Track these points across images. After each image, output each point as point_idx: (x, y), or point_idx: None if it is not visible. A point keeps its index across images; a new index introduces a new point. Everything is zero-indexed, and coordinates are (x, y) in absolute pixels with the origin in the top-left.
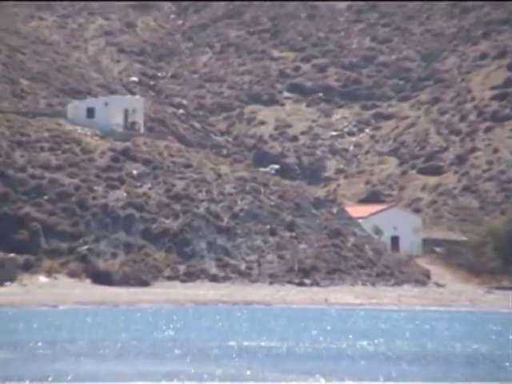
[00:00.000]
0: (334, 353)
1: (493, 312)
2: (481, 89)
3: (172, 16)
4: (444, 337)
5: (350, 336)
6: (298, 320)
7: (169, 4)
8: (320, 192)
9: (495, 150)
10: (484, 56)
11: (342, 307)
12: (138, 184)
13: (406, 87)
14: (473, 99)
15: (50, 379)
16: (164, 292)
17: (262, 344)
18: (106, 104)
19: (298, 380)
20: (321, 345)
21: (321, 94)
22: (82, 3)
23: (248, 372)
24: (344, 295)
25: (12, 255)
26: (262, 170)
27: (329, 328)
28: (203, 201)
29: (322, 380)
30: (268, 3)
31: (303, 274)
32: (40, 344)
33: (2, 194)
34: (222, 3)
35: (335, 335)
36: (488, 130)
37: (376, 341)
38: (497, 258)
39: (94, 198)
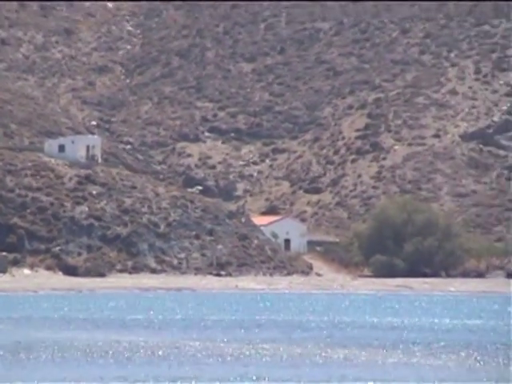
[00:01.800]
0: (236, 322)
1: (356, 293)
2: (348, 131)
3: (122, 77)
4: (315, 311)
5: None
6: (212, 300)
7: (120, 68)
8: (232, 207)
9: (359, 176)
10: (350, 107)
11: (248, 292)
12: (97, 201)
13: (294, 129)
14: (343, 138)
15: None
16: (116, 281)
17: (178, 317)
18: (73, 142)
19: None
20: (229, 316)
21: (232, 134)
22: (56, 68)
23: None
24: (249, 282)
25: (4, 253)
26: (189, 190)
27: (235, 305)
28: (145, 213)
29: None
30: (193, 66)
31: (220, 267)
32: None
33: None
34: (159, 67)
35: (242, 310)
36: (354, 161)
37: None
38: (359, 254)
39: (64, 211)
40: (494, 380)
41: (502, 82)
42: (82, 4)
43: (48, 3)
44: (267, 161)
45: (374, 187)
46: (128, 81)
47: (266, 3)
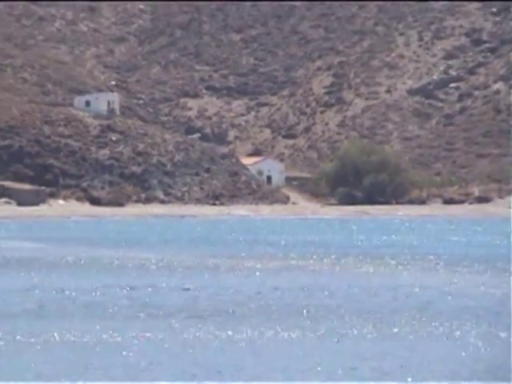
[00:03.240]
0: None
1: (322, 218)
2: (318, 88)
3: (135, 45)
4: (291, 231)
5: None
6: (211, 225)
7: (133, 38)
8: (224, 150)
9: (326, 124)
10: (319, 69)
11: (238, 217)
12: (116, 146)
13: (274, 87)
14: (313, 94)
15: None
16: (132, 210)
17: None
18: (97, 98)
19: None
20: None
21: (224, 91)
22: (83, 39)
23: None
24: (239, 210)
25: (43, 188)
26: (190, 136)
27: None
28: (155, 155)
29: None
30: (193, 36)
31: (215, 198)
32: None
33: (37, 152)
34: (165, 37)
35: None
36: (322, 112)
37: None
38: (327, 187)
39: (90, 154)
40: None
41: (439, 48)
42: None
43: None
44: (252, 113)
45: (338, 133)
46: (140, 49)
47: None
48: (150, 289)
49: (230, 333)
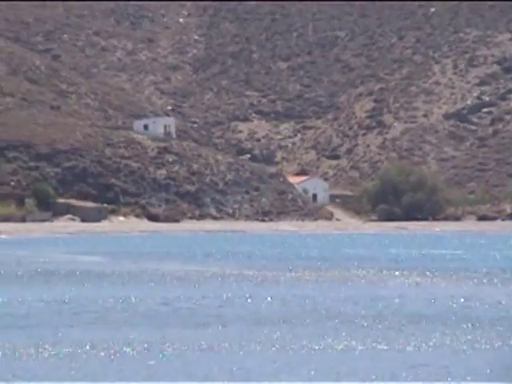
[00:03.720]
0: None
1: (364, 233)
2: (359, 112)
3: (190, 73)
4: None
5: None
6: (258, 240)
7: (188, 66)
8: (272, 169)
9: (367, 146)
10: (360, 94)
11: (285, 233)
12: (172, 166)
13: (319, 111)
14: (355, 118)
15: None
16: (187, 225)
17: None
18: (154, 122)
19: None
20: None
21: (272, 115)
22: (141, 68)
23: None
24: (286, 226)
25: (105, 205)
26: (240, 157)
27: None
28: (208, 175)
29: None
30: (243, 64)
31: (263, 215)
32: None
33: (99, 172)
34: (217, 65)
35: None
36: (364, 134)
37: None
38: (368, 204)
39: (148, 174)
40: None
41: (473, 75)
42: (161, 19)
43: (135, 20)
44: (298, 135)
45: (378, 154)
46: (194, 76)
47: (297, 17)
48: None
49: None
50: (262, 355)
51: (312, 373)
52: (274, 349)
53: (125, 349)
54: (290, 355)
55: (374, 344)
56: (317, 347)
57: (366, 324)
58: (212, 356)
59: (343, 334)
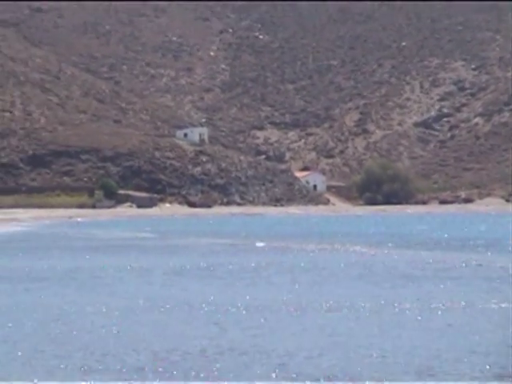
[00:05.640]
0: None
1: (352, 215)
2: (349, 122)
3: (219, 94)
4: (327, 223)
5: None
6: (277, 220)
7: (218, 89)
8: (283, 167)
9: (355, 147)
10: (350, 108)
11: (292, 214)
12: (206, 165)
13: (318, 122)
14: (346, 126)
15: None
16: (218, 210)
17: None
18: (192, 131)
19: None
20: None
21: (282, 125)
22: (182, 90)
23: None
24: (294, 210)
25: (155, 195)
26: (258, 157)
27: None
28: (233, 171)
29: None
30: (260, 87)
31: (276, 201)
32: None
33: (150, 170)
34: (240, 88)
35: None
36: (352, 139)
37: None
38: (356, 192)
39: (188, 171)
40: None
41: (435, 93)
42: (197, 53)
43: (177, 53)
44: (302, 140)
45: (364, 154)
46: (222, 96)
47: (300, 50)
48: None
49: None
50: None
51: None
52: None
53: None
54: None
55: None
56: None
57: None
58: None
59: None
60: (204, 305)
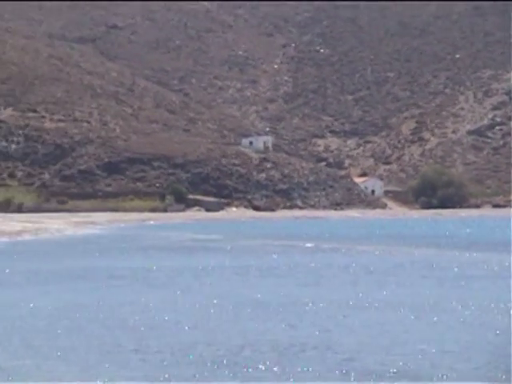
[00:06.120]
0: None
1: (407, 218)
2: (405, 130)
3: (282, 104)
4: (385, 226)
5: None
6: (337, 223)
7: (281, 99)
8: (342, 173)
9: (411, 154)
10: (406, 117)
11: (351, 218)
12: (270, 171)
13: (376, 130)
14: (402, 134)
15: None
16: (281, 213)
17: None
18: (257, 139)
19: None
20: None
21: (342, 134)
22: (248, 101)
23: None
24: (353, 213)
25: (222, 199)
26: (318, 164)
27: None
28: (295, 177)
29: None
30: (320, 97)
31: (337, 205)
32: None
33: (218, 176)
34: (302, 98)
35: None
36: (408, 146)
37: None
38: (412, 197)
39: (253, 177)
40: None
41: (488, 103)
42: (261, 66)
43: (243, 67)
44: (361, 147)
45: (419, 161)
46: (285, 106)
47: (359, 63)
48: None
49: None
50: None
51: None
52: None
53: None
54: None
55: None
56: None
57: None
58: None
59: None
60: (276, 302)
